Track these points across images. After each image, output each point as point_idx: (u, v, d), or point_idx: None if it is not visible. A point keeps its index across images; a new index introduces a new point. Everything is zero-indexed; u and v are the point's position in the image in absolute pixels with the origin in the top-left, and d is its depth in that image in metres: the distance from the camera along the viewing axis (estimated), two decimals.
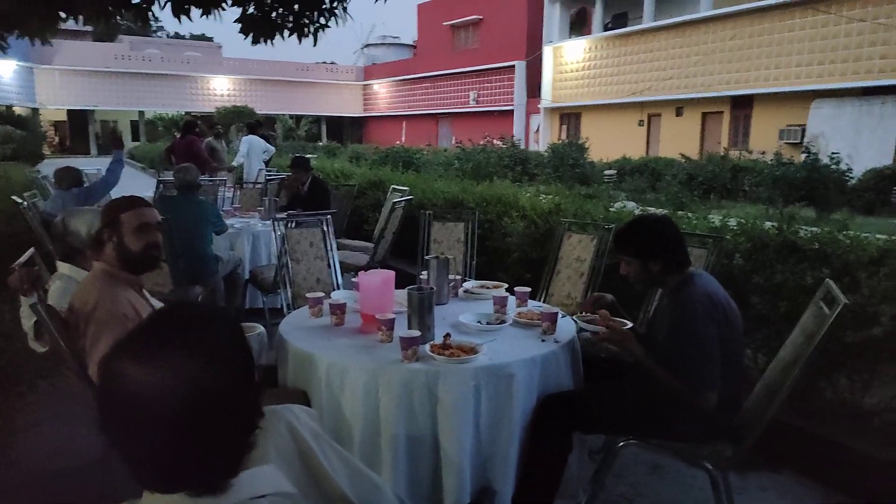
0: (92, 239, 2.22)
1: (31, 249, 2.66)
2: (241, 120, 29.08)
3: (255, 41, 4.47)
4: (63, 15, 4.01)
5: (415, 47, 38.39)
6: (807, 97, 16.94)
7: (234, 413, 0.89)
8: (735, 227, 3.55)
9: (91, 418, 2.54)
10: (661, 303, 2.33)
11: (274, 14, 4.46)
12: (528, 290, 2.86)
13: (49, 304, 2.06)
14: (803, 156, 12.31)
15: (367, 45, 42.03)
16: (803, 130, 16.86)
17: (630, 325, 2.39)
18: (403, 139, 32.19)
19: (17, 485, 2.53)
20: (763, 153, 15.65)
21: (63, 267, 2.59)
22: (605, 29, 23.71)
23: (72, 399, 3.12)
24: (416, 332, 2.18)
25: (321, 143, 32.14)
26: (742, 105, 19.16)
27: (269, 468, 1.00)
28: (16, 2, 3.70)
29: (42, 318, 1.97)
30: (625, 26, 23.12)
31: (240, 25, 4.37)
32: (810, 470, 2.80)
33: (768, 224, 3.60)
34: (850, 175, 12.03)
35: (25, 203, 4.56)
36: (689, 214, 4.66)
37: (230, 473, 0.90)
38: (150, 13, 4.24)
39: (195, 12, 4.15)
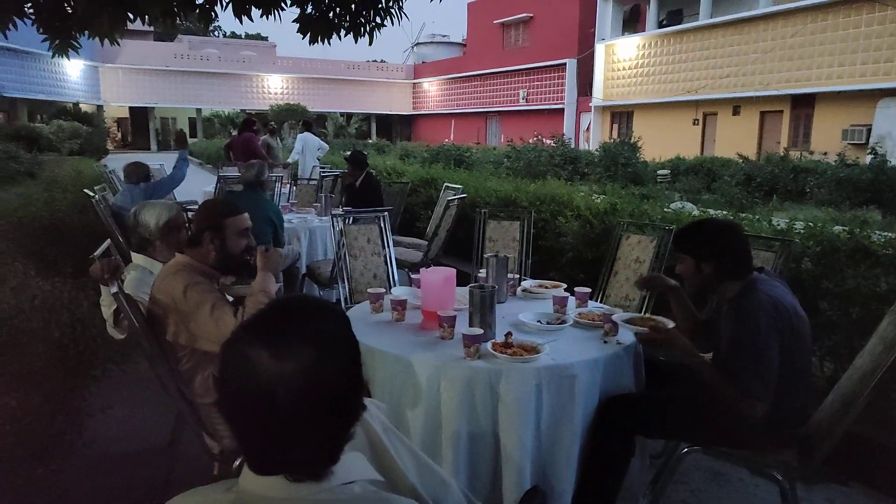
0: (188, 240, 2.33)
1: (108, 240, 2.78)
2: (294, 118, 29.66)
3: (313, 41, 4.54)
4: (131, 16, 4.16)
5: (464, 45, 38.40)
6: (872, 96, 16.23)
7: (343, 403, 0.93)
8: (802, 231, 3.44)
9: (159, 403, 2.66)
10: (719, 307, 2.26)
11: (331, 14, 4.53)
12: (589, 290, 2.83)
13: (127, 293, 2.15)
14: (869, 157, 11.82)
15: (417, 44, 42.27)
16: (868, 131, 16.16)
17: (672, 324, 2.35)
18: (452, 137, 32.25)
19: (90, 465, 2.64)
20: (825, 154, 15.08)
21: (137, 258, 2.71)
22: (660, 26, 23.23)
23: (142, 384, 3.27)
24: (478, 330, 2.19)
25: (371, 141, 32.52)
26: (803, 104, 18.49)
27: (356, 455, 1.03)
28: (87, 4, 3.86)
29: (123, 306, 2.06)
30: (680, 23, 22.60)
31: (297, 25, 4.45)
32: (880, 483, 2.70)
33: (838, 228, 3.47)
34: None
35: (96, 196, 4.76)
36: (752, 216, 4.53)
37: (332, 461, 0.94)
38: (212, 13, 4.37)
39: (255, 12, 4.25)
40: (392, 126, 41.17)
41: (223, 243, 2.28)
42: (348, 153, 6.13)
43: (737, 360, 2.03)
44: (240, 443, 0.92)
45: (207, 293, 2.16)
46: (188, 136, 35.45)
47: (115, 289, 2.08)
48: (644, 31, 24.21)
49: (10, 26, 3.88)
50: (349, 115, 38.06)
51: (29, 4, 4.14)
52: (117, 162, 11.11)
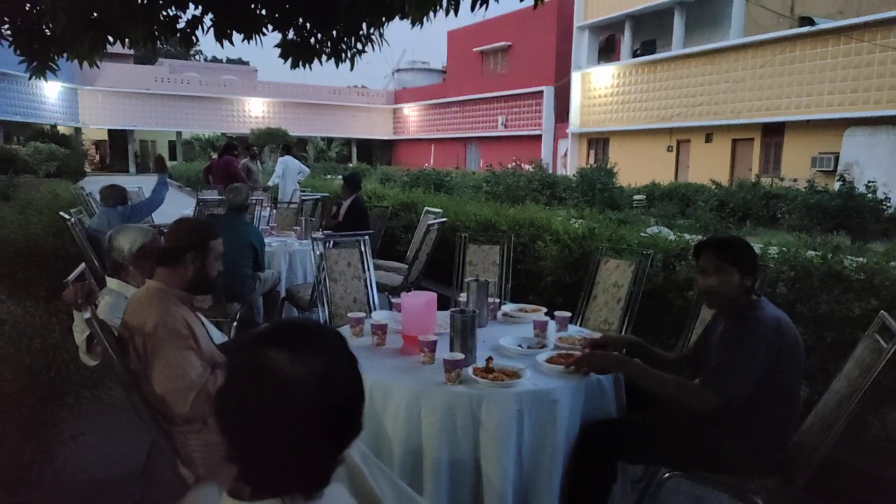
0: (163, 257, 2.28)
1: (83, 265, 2.74)
2: (275, 141, 29.63)
3: (294, 65, 4.57)
4: (111, 39, 4.16)
5: (444, 72, 38.86)
6: (840, 125, 16.70)
7: (345, 423, 0.95)
8: (776, 256, 3.50)
9: (133, 430, 2.58)
10: (715, 327, 2.28)
11: (312, 39, 4.57)
12: (569, 314, 2.85)
13: (101, 319, 2.10)
14: (837, 184, 12.12)
15: (398, 70, 42.68)
16: (836, 158, 16.60)
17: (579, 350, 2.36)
18: (432, 162, 32.45)
19: (62, 494, 2.56)
20: (795, 181, 15.44)
21: (112, 282, 2.66)
22: (634, 55, 23.76)
23: (115, 411, 3.20)
24: (459, 355, 2.18)
25: (351, 165, 32.58)
26: (773, 132, 18.96)
27: (337, 486, 1.02)
28: (67, 26, 3.86)
29: (96, 332, 2.02)
30: (653, 53, 23.13)
31: (279, 50, 4.48)
32: None
33: (811, 253, 3.54)
34: (888, 204, 11.79)
35: (72, 219, 4.69)
36: None
37: (323, 483, 0.94)
38: (193, 38, 4.38)
39: (237, 37, 4.28)
40: (373, 150, 41.30)
41: (203, 264, 2.24)
42: (343, 175, 6.24)
43: (722, 357, 2.04)
44: (239, 459, 0.91)
45: (172, 337, 2.06)
46: (167, 160, 35.19)
47: (87, 314, 2.03)
48: (619, 60, 24.74)
49: None
50: (330, 140, 38.12)
51: (6, 26, 4.12)
52: (95, 184, 10.96)
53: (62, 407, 2.66)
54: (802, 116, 17.55)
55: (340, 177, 6.36)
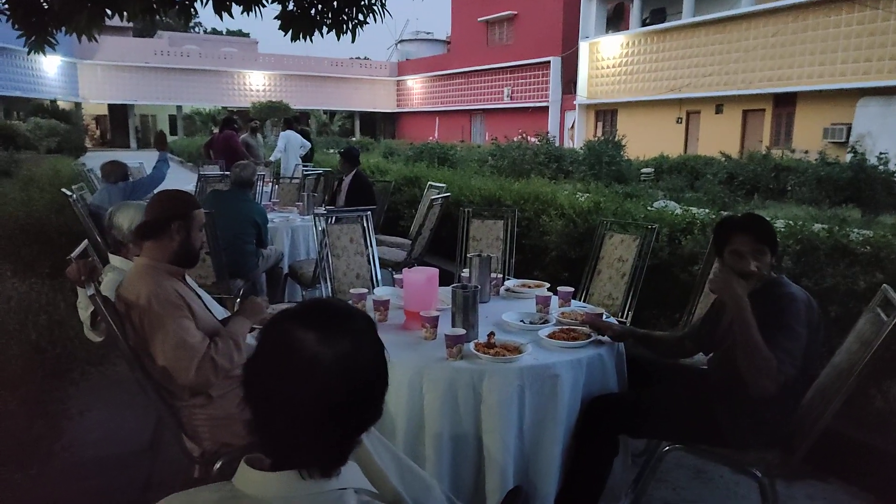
0: (146, 230, 2.26)
1: (85, 241, 2.74)
2: (276, 115, 29.46)
3: (294, 38, 4.50)
4: (109, 12, 4.10)
5: (448, 43, 38.37)
6: (853, 95, 16.45)
7: (369, 404, 0.97)
8: (783, 229, 3.47)
9: (138, 406, 2.61)
10: (718, 311, 2.27)
11: (313, 11, 4.49)
12: (572, 289, 2.84)
13: (105, 295, 2.11)
14: (849, 155, 11.97)
15: (401, 41, 42.16)
16: (849, 129, 16.38)
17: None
18: (436, 135, 32.24)
19: (69, 469, 2.60)
20: (806, 152, 15.25)
21: (115, 259, 2.66)
22: (643, 24, 23.35)
23: (120, 387, 3.23)
24: (461, 330, 2.18)
25: (354, 139, 32.41)
26: (785, 103, 18.69)
27: (353, 465, 1.03)
28: (64, 0, 3.80)
29: (100, 309, 2.02)
30: (663, 22, 22.73)
31: (279, 22, 4.41)
32: (858, 479, 2.73)
33: (818, 226, 3.51)
34: None
35: (74, 195, 4.68)
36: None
37: (341, 462, 0.96)
38: (192, 10, 4.31)
39: (236, 9, 4.21)
40: (376, 124, 41.03)
41: (188, 235, 2.21)
42: (341, 150, 6.12)
43: (774, 338, 1.96)
44: (262, 431, 0.94)
45: (168, 308, 2.06)
46: (169, 134, 35.27)
47: (91, 291, 2.04)
48: (628, 29, 24.33)
49: None
50: (332, 113, 37.87)
51: (3, 0, 4.07)
52: (96, 160, 10.93)
53: (69, 383, 2.70)
54: (815, 86, 17.28)
55: (339, 151, 6.27)
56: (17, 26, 4.15)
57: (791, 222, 3.51)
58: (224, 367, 2.07)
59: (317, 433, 0.92)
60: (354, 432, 0.97)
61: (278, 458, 0.93)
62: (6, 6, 4.10)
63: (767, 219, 2.20)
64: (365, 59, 42.93)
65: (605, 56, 24.47)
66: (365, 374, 0.95)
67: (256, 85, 36.62)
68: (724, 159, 15.43)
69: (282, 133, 10.46)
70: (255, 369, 0.94)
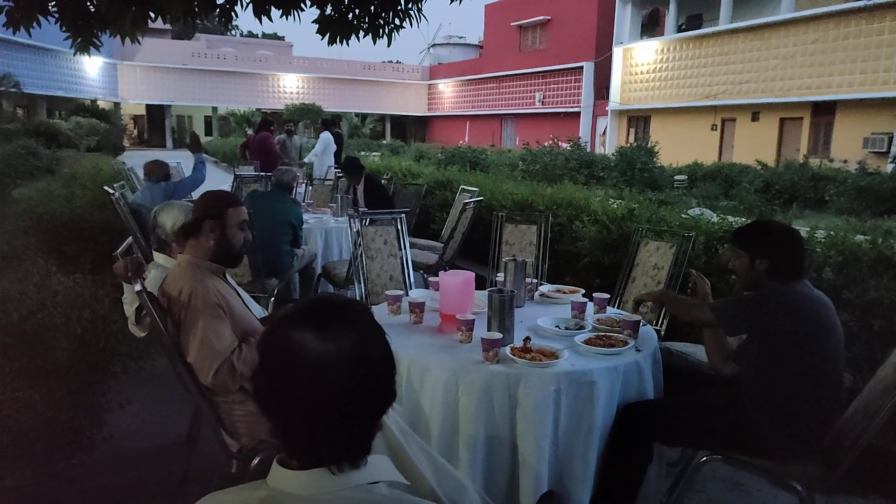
0: (185, 230, 2.32)
1: (130, 239, 2.82)
2: (309, 117, 29.77)
3: (332, 42, 4.55)
4: (152, 15, 4.20)
5: (481, 47, 38.39)
6: (894, 104, 16.02)
7: (381, 392, 0.97)
8: (823, 239, 3.40)
9: (175, 400, 2.66)
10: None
11: (350, 15, 4.55)
12: (607, 296, 2.82)
13: (150, 292, 2.16)
14: (890, 165, 11.67)
15: (434, 45, 42.31)
16: (890, 139, 15.95)
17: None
18: (467, 139, 32.25)
19: (110, 460, 2.67)
20: (845, 162, 14.90)
21: (158, 257, 2.74)
22: (679, 30, 23.07)
23: (159, 381, 3.30)
24: (497, 334, 2.19)
25: (385, 141, 32.58)
26: (823, 111, 18.29)
27: (382, 458, 1.04)
28: (111, 2, 3.91)
29: (146, 304, 2.08)
30: (699, 28, 22.43)
31: (316, 26, 4.47)
32: None
33: (860, 237, 3.43)
34: None
35: (116, 194, 4.80)
36: None
37: (365, 451, 0.97)
38: (233, 13, 4.40)
39: (275, 13, 4.27)
40: (407, 127, 41.22)
41: (223, 233, 2.26)
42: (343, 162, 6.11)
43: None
44: (283, 436, 0.94)
45: (206, 308, 2.11)
46: (204, 134, 35.82)
47: (138, 287, 2.10)
48: (663, 35, 24.07)
49: (35, 24, 3.94)
50: (364, 116, 38.18)
51: (53, 3, 4.20)
52: (134, 159, 11.20)
53: (110, 376, 2.75)
54: (855, 95, 16.86)
55: (339, 168, 6.25)
56: (64, 28, 4.27)
57: (832, 233, 3.44)
58: (244, 375, 2.10)
59: (336, 429, 0.92)
60: (374, 419, 0.97)
61: (303, 458, 0.93)
62: (55, 9, 4.23)
63: (773, 228, 2.30)
64: (397, 62, 43.19)
65: (640, 62, 24.23)
66: (373, 361, 0.94)
67: (290, 87, 37.09)
68: (760, 168, 15.16)
69: (322, 135, 10.50)
70: (263, 380, 0.93)
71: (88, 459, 2.41)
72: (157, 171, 5.02)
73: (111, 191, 4.87)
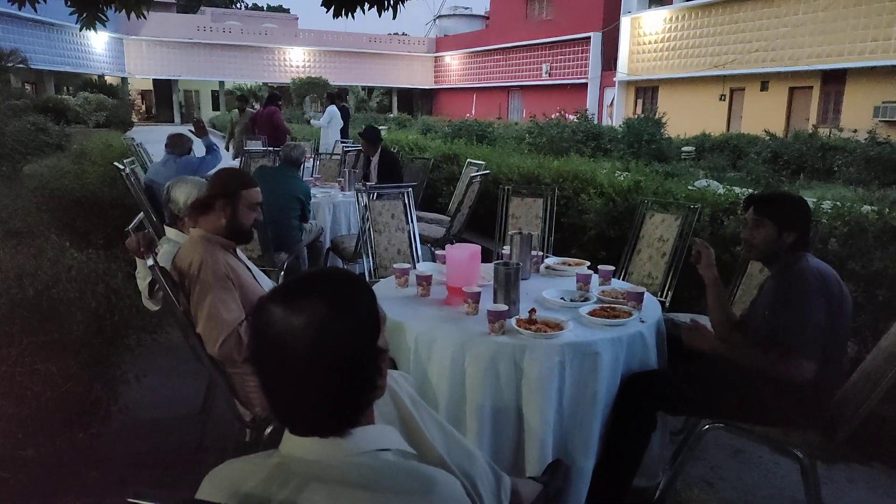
0: (197, 206, 2.36)
1: (141, 214, 2.85)
2: (315, 91, 29.58)
3: (336, 14, 4.51)
4: None
5: (487, 19, 37.88)
6: None
7: (356, 364, 0.97)
8: (829, 210, 3.40)
9: (189, 372, 2.72)
10: (763, 285, 2.28)
11: None
12: (612, 268, 2.84)
13: (162, 266, 2.21)
14: None
15: (439, 17, 41.78)
16: None
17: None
18: (474, 112, 32.01)
19: (126, 430, 2.74)
20: (855, 131, 14.73)
21: (170, 232, 2.78)
22: None
23: (173, 353, 3.37)
24: (503, 306, 2.22)
25: (392, 115, 32.39)
26: (833, 80, 18.03)
27: (391, 429, 1.08)
28: None
29: (158, 279, 2.12)
30: None
31: None
32: None
33: (867, 208, 3.43)
34: None
35: (126, 169, 4.83)
36: None
37: (350, 422, 0.99)
38: None
39: None
40: (413, 100, 40.92)
41: (234, 213, 2.30)
42: (362, 129, 6.06)
43: (778, 321, 2.04)
44: (269, 402, 0.99)
45: (216, 281, 2.16)
46: (211, 109, 35.69)
47: (151, 261, 2.14)
48: (671, 3, 23.66)
49: (41, 0, 3.93)
50: (370, 89, 37.89)
51: None
52: (142, 134, 11.21)
53: (125, 349, 2.81)
54: (866, 62, 16.61)
55: (358, 133, 6.21)
56: (69, 3, 4.26)
57: (838, 203, 3.43)
58: None
59: (314, 397, 0.95)
60: (357, 391, 0.98)
61: (294, 427, 0.97)
62: None
63: (797, 199, 2.22)
64: (403, 35, 42.70)
65: (647, 31, 23.87)
66: (347, 329, 0.95)
67: (296, 61, 36.82)
68: (768, 138, 15.02)
69: (328, 108, 10.46)
70: (252, 354, 0.98)
71: (105, 430, 2.48)
72: (182, 145, 5.10)
73: (121, 167, 4.90)
